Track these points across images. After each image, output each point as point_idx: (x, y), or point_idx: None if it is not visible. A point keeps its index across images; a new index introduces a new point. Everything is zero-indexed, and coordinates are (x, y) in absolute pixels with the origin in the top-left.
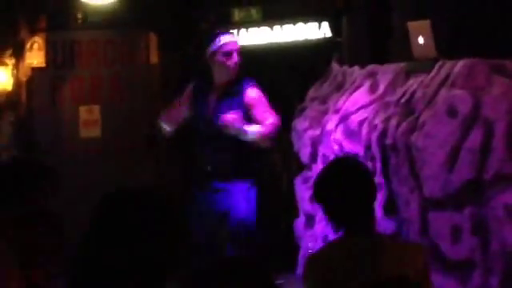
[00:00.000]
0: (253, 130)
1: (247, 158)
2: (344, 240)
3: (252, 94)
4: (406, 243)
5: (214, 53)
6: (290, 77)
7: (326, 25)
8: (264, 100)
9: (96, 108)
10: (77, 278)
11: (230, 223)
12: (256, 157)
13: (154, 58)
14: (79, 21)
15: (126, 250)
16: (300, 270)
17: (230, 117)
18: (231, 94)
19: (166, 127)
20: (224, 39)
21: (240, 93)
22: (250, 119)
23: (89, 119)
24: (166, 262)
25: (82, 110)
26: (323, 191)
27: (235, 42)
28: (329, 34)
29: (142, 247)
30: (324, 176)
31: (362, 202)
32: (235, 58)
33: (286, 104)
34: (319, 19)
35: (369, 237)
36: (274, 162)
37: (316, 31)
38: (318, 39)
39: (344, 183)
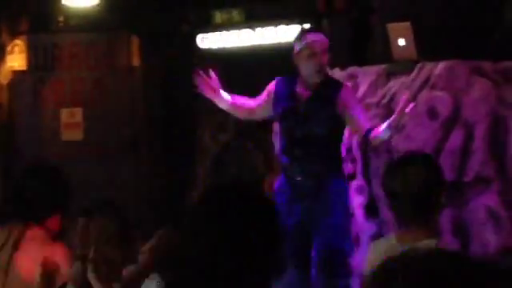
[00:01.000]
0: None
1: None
2: (402, 237)
3: (348, 93)
4: None
5: (300, 51)
6: (272, 79)
7: (307, 27)
8: (358, 99)
9: (78, 111)
10: (176, 278)
11: (317, 246)
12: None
13: (135, 61)
14: (61, 24)
15: (231, 250)
16: None
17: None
18: (323, 95)
19: (225, 106)
20: (310, 38)
21: (333, 93)
22: (341, 119)
23: (70, 122)
24: (268, 264)
25: (64, 112)
26: (389, 184)
27: (322, 41)
28: None
29: (248, 247)
30: (392, 168)
31: (426, 199)
32: (322, 57)
33: None
34: (301, 22)
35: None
36: (255, 163)
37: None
38: None
39: (410, 178)
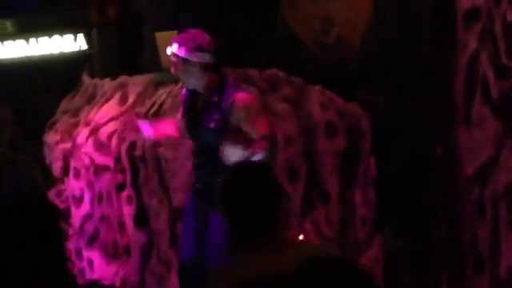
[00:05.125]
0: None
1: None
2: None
3: (237, 101)
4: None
5: None
6: (48, 90)
7: (81, 37)
8: (251, 107)
9: None
10: None
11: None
12: None
13: None
14: None
15: None
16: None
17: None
18: (211, 104)
19: None
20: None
21: (221, 101)
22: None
23: None
24: None
25: None
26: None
27: (180, 39)
28: (84, 46)
29: None
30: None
31: (269, 210)
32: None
33: (46, 118)
34: (74, 31)
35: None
36: (33, 176)
37: (72, 44)
38: (74, 52)
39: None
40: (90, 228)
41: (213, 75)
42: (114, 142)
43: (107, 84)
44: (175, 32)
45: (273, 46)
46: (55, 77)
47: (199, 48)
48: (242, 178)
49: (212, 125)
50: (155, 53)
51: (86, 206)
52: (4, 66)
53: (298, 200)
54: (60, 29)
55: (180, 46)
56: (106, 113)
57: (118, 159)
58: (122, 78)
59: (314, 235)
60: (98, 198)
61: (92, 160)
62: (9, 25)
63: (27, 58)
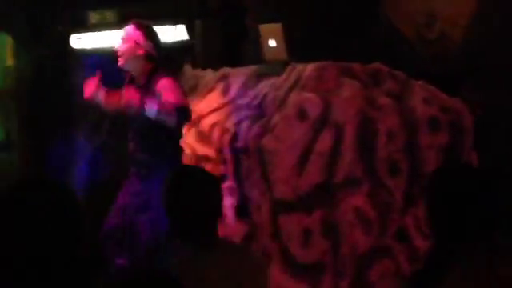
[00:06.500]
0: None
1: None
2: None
3: (162, 83)
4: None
5: None
6: None
7: (181, 28)
8: (174, 88)
9: None
10: None
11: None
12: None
13: (9, 60)
14: None
15: None
16: None
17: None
18: (146, 88)
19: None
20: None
21: (152, 85)
22: None
23: None
24: None
25: None
26: (170, 202)
27: (137, 23)
28: (185, 37)
29: None
30: (171, 186)
31: (208, 213)
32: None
33: None
34: (174, 22)
35: (214, 248)
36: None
37: (172, 34)
38: (175, 42)
39: (190, 194)
40: None
41: (150, 63)
42: (216, 133)
43: (209, 75)
44: (279, 24)
45: (375, 39)
46: None
47: (149, 37)
48: (184, 182)
49: (134, 103)
50: (258, 45)
51: None
52: (103, 55)
53: (399, 195)
54: (161, 19)
55: (135, 29)
56: (207, 104)
57: (219, 150)
58: (225, 70)
59: (414, 230)
60: None
61: (193, 150)
62: (108, 15)
63: None
